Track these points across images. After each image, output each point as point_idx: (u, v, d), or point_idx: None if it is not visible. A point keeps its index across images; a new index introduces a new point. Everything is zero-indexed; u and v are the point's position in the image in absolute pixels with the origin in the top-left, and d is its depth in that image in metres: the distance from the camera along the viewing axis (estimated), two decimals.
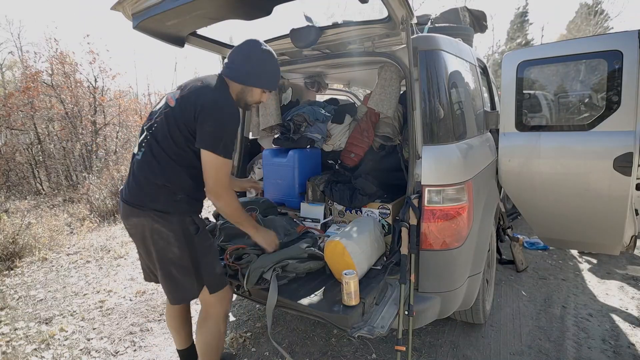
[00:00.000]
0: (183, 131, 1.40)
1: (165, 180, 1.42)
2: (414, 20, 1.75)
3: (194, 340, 1.71)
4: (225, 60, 1.57)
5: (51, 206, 5.84)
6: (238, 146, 2.66)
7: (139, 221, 1.44)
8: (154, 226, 1.42)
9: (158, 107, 1.52)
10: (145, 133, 1.48)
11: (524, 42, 22.36)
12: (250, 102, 1.60)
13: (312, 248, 1.79)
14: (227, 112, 1.41)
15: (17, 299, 2.90)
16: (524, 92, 2.34)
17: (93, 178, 6.10)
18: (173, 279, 1.48)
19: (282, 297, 1.61)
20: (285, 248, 1.76)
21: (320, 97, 3.41)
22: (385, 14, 1.58)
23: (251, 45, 1.52)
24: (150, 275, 1.70)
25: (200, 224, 1.52)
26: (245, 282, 1.59)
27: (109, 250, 3.92)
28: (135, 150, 1.50)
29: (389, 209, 2.00)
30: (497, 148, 2.43)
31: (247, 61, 1.51)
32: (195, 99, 1.40)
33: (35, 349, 2.23)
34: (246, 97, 1.57)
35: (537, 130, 2.32)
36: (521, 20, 23.14)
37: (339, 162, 2.57)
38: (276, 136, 2.63)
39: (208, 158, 1.38)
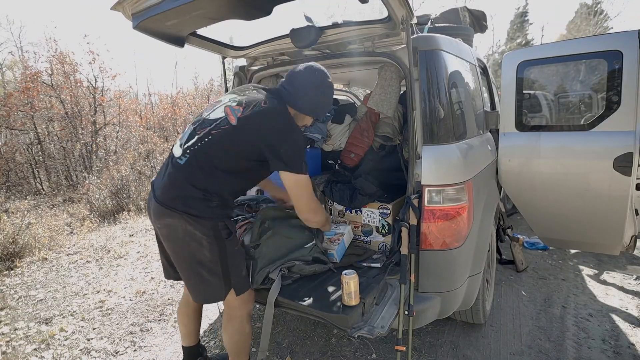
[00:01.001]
0: (242, 148, 1.42)
1: (204, 188, 1.41)
2: (414, 20, 1.75)
3: (223, 341, 1.70)
4: (286, 81, 1.56)
5: (51, 206, 5.85)
6: None
7: (173, 222, 1.42)
8: (187, 228, 1.41)
9: (214, 116, 1.46)
10: (194, 140, 1.44)
11: (524, 42, 22.37)
12: (299, 124, 1.62)
13: (317, 248, 1.80)
14: (299, 134, 1.49)
15: (17, 299, 2.90)
16: (524, 92, 2.34)
17: (93, 178, 6.10)
18: (202, 280, 1.48)
19: (282, 297, 1.62)
20: (292, 248, 1.76)
21: None
22: (385, 14, 1.58)
23: (319, 76, 1.55)
24: (170, 273, 1.69)
25: (232, 228, 1.52)
26: (251, 281, 1.60)
27: (109, 250, 3.92)
28: (178, 152, 1.46)
29: (389, 209, 2.00)
30: (497, 148, 2.43)
31: (313, 93, 1.55)
32: (261, 123, 1.43)
33: (35, 349, 2.23)
34: (297, 121, 1.58)
35: (537, 130, 2.32)
36: (521, 20, 23.15)
37: (339, 162, 2.57)
38: None
39: (294, 179, 1.44)
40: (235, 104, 1.46)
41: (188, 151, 1.44)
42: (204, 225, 1.42)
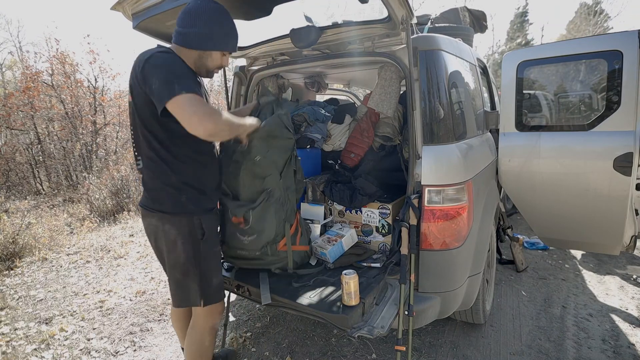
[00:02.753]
0: (152, 115, 1.30)
1: (166, 183, 1.39)
2: (414, 20, 1.75)
3: (184, 351, 1.69)
4: (177, 23, 1.39)
5: (51, 206, 5.85)
6: None
7: (151, 222, 1.45)
8: (164, 227, 1.41)
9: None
10: (132, 141, 1.45)
11: (524, 42, 22.37)
12: (212, 67, 1.43)
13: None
14: (163, 59, 1.27)
15: (17, 299, 2.90)
16: (524, 92, 2.34)
17: (93, 178, 6.11)
18: (177, 283, 1.48)
19: (282, 297, 1.62)
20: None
21: (320, 97, 3.41)
22: (385, 14, 1.58)
23: (201, 5, 1.33)
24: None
25: (208, 228, 1.47)
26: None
27: (109, 250, 3.92)
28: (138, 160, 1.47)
29: (389, 209, 2.00)
30: (497, 148, 2.43)
31: (197, 22, 1.33)
32: (136, 72, 1.28)
33: (35, 349, 2.23)
34: (207, 64, 1.41)
35: (537, 130, 2.32)
36: (521, 20, 23.14)
37: (339, 162, 2.57)
38: None
39: (176, 104, 1.19)
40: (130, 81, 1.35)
41: (136, 153, 1.44)
42: (179, 222, 1.40)
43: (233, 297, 2.62)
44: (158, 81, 1.22)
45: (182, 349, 1.87)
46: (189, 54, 1.38)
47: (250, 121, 1.49)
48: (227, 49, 1.42)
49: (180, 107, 1.19)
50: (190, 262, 1.43)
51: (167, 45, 1.44)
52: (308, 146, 2.54)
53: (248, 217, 1.66)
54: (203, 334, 1.54)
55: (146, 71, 1.24)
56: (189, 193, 1.41)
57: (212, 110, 1.24)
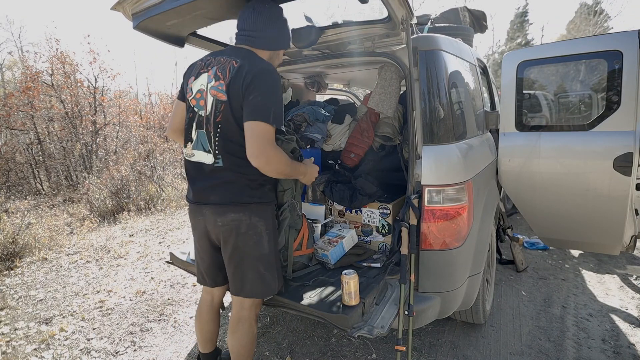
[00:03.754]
0: (240, 118, 1.36)
1: (252, 176, 1.41)
2: (414, 20, 1.75)
3: (228, 345, 1.62)
4: (243, 27, 1.46)
5: (51, 206, 5.85)
6: None
7: (238, 217, 1.42)
8: (251, 220, 1.43)
9: (208, 107, 1.41)
10: (213, 139, 1.40)
11: (524, 42, 22.38)
12: (277, 65, 1.59)
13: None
14: (271, 76, 1.35)
15: (17, 299, 2.90)
16: (524, 92, 2.34)
17: (93, 178, 6.11)
18: (260, 275, 1.49)
19: (283, 297, 1.62)
20: None
21: (320, 97, 3.41)
22: (385, 14, 1.58)
23: (272, 7, 1.46)
24: (205, 279, 1.65)
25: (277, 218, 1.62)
26: None
27: (109, 250, 3.92)
28: (208, 159, 1.43)
29: (389, 209, 2.00)
30: (497, 148, 2.43)
31: (272, 26, 1.46)
32: (238, 77, 1.33)
33: (35, 349, 2.23)
34: (274, 62, 1.57)
35: (537, 130, 2.32)
36: (521, 20, 23.14)
37: (339, 162, 2.57)
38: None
39: (258, 128, 1.29)
40: (214, 81, 1.39)
41: (217, 152, 1.41)
42: (266, 212, 1.48)
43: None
44: (262, 99, 1.31)
45: (203, 354, 1.79)
46: (263, 54, 1.49)
47: (304, 171, 1.58)
48: (289, 46, 1.59)
49: (260, 134, 1.30)
50: (272, 253, 1.51)
51: (166, 44, 1.47)
52: (308, 146, 2.54)
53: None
54: (252, 324, 1.57)
55: (258, 81, 1.32)
56: (270, 185, 1.52)
57: (280, 151, 1.38)
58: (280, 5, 1.57)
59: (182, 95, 1.55)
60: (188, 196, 1.57)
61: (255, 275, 1.48)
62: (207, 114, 1.41)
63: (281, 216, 1.70)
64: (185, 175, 1.58)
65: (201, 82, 1.44)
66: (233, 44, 2.20)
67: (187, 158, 1.51)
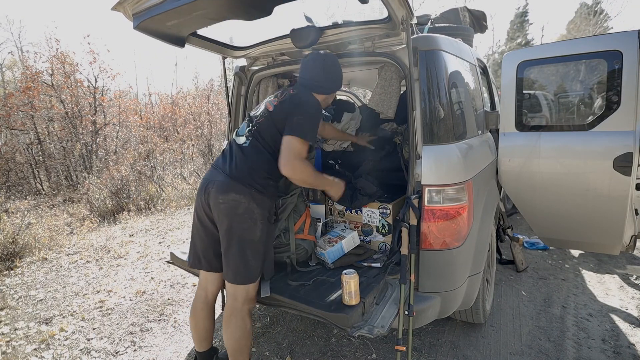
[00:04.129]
0: (278, 126, 1.61)
1: (264, 166, 1.60)
2: (414, 21, 1.75)
3: (223, 339, 1.67)
4: (301, 72, 1.76)
5: (51, 206, 5.85)
6: None
7: (238, 197, 1.55)
8: (250, 205, 1.55)
9: (259, 111, 1.72)
10: (251, 127, 1.69)
11: (524, 42, 22.38)
12: (330, 102, 1.89)
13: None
14: (312, 102, 1.65)
15: (17, 299, 2.90)
16: (524, 92, 2.34)
17: (93, 178, 6.11)
18: (245, 260, 1.57)
19: (283, 296, 1.62)
20: None
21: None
22: (385, 14, 1.58)
23: (326, 59, 1.74)
24: (200, 261, 1.73)
25: (277, 214, 1.73)
26: None
27: (109, 250, 3.92)
28: (241, 140, 1.68)
29: (389, 209, 2.00)
30: (497, 148, 2.43)
31: (328, 75, 1.75)
32: (288, 103, 1.64)
33: (35, 349, 2.23)
34: (328, 102, 1.84)
35: (537, 130, 2.32)
36: (521, 20, 23.15)
37: (339, 162, 2.57)
38: None
39: (292, 141, 1.53)
40: (272, 98, 1.76)
41: (249, 136, 1.67)
42: (264, 202, 1.60)
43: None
44: (302, 119, 1.57)
45: (199, 353, 1.82)
46: (320, 97, 1.74)
47: (334, 188, 1.85)
48: (335, 89, 1.84)
49: (292, 147, 1.53)
50: (263, 242, 1.61)
51: (166, 44, 1.55)
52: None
53: (280, 208, 1.85)
54: (244, 318, 1.61)
55: (301, 105, 1.62)
56: (274, 182, 1.66)
57: (307, 163, 1.59)
58: (281, 4, 1.60)
59: None
60: (205, 176, 1.72)
61: (241, 258, 1.56)
62: (256, 115, 1.72)
63: (289, 200, 1.87)
64: (215, 159, 1.80)
65: (267, 99, 1.79)
66: (233, 43, 2.21)
67: (233, 141, 1.74)
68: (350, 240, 1.98)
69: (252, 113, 1.76)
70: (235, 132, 1.80)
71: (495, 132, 2.54)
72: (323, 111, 2.58)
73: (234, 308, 1.60)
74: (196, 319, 1.77)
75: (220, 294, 1.88)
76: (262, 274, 1.66)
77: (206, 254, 1.69)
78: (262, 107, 1.75)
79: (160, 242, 4.18)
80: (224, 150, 1.76)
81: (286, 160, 1.53)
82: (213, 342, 1.89)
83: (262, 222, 1.58)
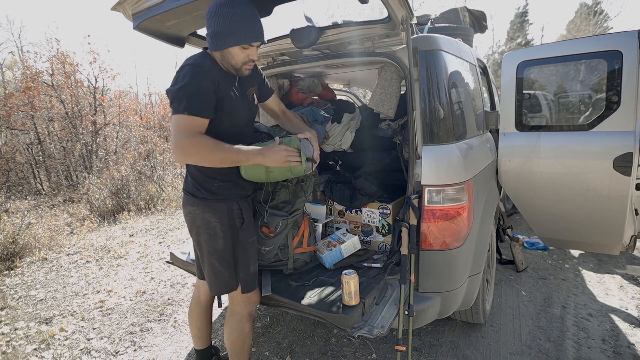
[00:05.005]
0: None
1: (201, 170, 1.45)
2: (414, 21, 1.75)
3: (223, 339, 1.69)
4: None
5: (51, 206, 5.85)
6: None
7: (192, 209, 1.48)
8: (204, 216, 1.45)
9: None
10: None
11: (524, 42, 22.37)
12: (237, 64, 1.39)
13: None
14: (182, 70, 1.31)
15: (17, 299, 2.90)
16: (524, 92, 2.34)
17: (93, 178, 6.11)
18: (215, 271, 1.49)
19: (283, 297, 1.62)
20: None
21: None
22: (385, 14, 1.58)
23: (211, 6, 1.33)
24: (197, 270, 1.70)
25: (247, 216, 1.53)
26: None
27: (109, 250, 3.92)
28: None
29: (389, 209, 2.00)
30: (497, 148, 2.43)
31: (209, 25, 1.34)
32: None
33: (35, 349, 2.23)
34: (230, 62, 1.39)
35: (537, 130, 2.32)
36: (521, 20, 23.14)
37: (340, 162, 2.57)
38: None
39: (174, 119, 1.28)
40: None
41: None
42: (219, 209, 1.45)
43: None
44: (172, 91, 1.29)
45: (196, 350, 1.87)
46: (216, 56, 1.40)
47: (267, 156, 1.40)
48: (241, 42, 1.34)
49: (175, 126, 1.28)
50: (229, 251, 1.48)
51: (166, 44, 1.46)
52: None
53: (280, 228, 1.75)
54: (242, 321, 1.58)
55: (174, 76, 1.34)
56: (222, 182, 1.47)
57: (198, 140, 1.27)
58: (281, 4, 1.57)
59: None
60: None
61: (211, 269, 1.49)
62: None
63: (289, 220, 1.76)
64: None
65: None
66: None
67: None
68: (349, 245, 1.96)
69: None
70: None
71: (495, 132, 2.54)
72: (322, 112, 2.57)
73: (232, 310, 1.59)
74: (191, 318, 1.83)
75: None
76: (242, 285, 1.53)
77: (197, 262, 1.68)
78: None
79: (160, 242, 4.18)
80: None
81: (174, 144, 1.27)
82: (213, 341, 1.90)
83: (222, 231, 1.45)
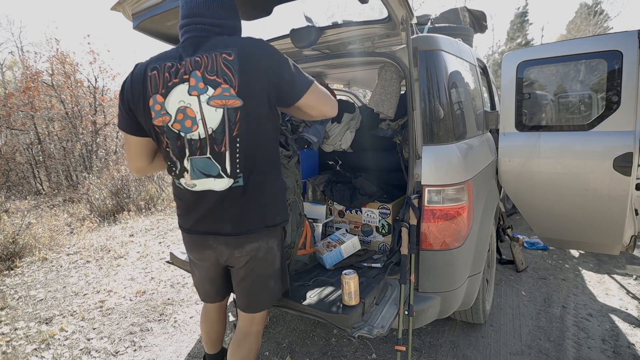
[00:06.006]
0: (262, 110, 1.20)
1: (274, 190, 1.30)
2: (414, 21, 1.75)
3: (233, 356, 1.49)
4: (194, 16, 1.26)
5: (51, 206, 5.85)
6: None
7: (256, 245, 1.27)
8: (268, 244, 1.29)
9: (206, 130, 1.20)
10: (230, 160, 1.21)
11: (524, 42, 22.37)
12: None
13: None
14: (276, 52, 1.17)
15: (17, 299, 2.90)
16: (524, 92, 2.34)
17: (93, 178, 6.11)
18: (269, 290, 1.38)
19: (283, 297, 1.61)
20: None
21: None
22: (385, 14, 1.58)
23: None
24: (212, 296, 1.53)
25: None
26: None
27: (109, 250, 3.92)
28: (222, 185, 1.24)
29: (389, 209, 2.01)
30: (497, 148, 2.43)
31: (234, 15, 1.24)
32: (256, 68, 1.16)
33: (35, 349, 2.23)
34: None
35: (537, 130, 2.32)
36: (521, 20, 23.14)
37: (340, 162, 2.57)
38: None
39: (314, 92, 1.20)
40: (211, 90, 1.11)
41: (237, 171, 1.17)
42: (277, 232, 1.33)
43: (232, 297, 2.62)
44: (292, 71, 1.13)
45: (209, 355, 1.72)
46: None
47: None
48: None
49: (318, 94, 1.18)
50: (281, 267, 1.39)
51: (166, 44, 1.44)
52: (306, 146, 2.54)
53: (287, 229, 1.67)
54: (258, 337, 1.47)
55: (273, 61, 1.12)
56: (290, 197, 1.42)
57: (331, 98, 1.26)
58: (281, 4, 1.56)
59: (139, 127, 1.22)
60: (184, 225, 1.32)
61: (266, 290, 1.38)
62: (211, 133, 1.14)
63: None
64: (176, 202, 1.35)
65: (180, 98, 1.13)
66: None
67: (188, 189, 1.23)
68: (349, 246, 1.96)
69: (190, 135, 1.18)
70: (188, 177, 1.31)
71: (495, 132, 2.54)
72: None
73: (250, 330, 1.43)
74: (209, 323, 1.64)
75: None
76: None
77: (220, 291, 1.51)
78: (207, 116, 1.14)
79: (160, 242, 4.18)
80: (187, 199, 1.29)
81: (332, 104, 1.24)
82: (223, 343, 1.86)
83: (279, 249, 1.35)
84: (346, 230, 2.12)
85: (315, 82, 1.19)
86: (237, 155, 1.16)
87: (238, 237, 1.24)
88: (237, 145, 1.15)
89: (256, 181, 1.21)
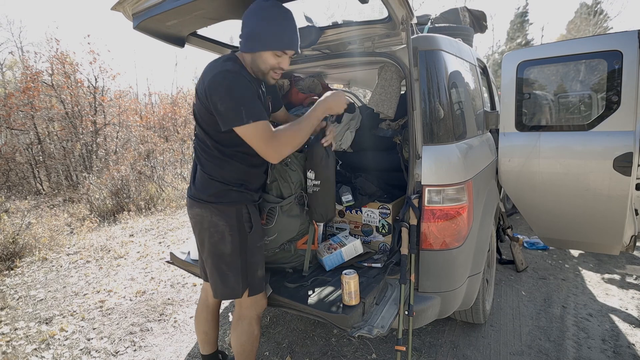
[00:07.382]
0: (209, 120, 1.34)
1: (216, 175, 1.42)
2: (414, 20, 1.75)
3: (230, 343, 1.65)
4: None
5: (51, 206, 5.85)
6: None
7: (200, 212, 1.45)
8: (212, 219, 1.43)
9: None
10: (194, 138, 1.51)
11: (524, 42, 22.38)
12: (266, 69, 1.39)
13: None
14: (228, 80, 1.26)
15: (17, 299, 2.90)
16: (524, 92, 2.34)
17: (93, 178, 6.11)
18: (222, 275, 1.47)
19: (283, 296, 1.62)
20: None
21: None
22: (385, 14, 1.58)
23: (252, 7, 1.34)
24: (202, 272, 1.68)
25: (255, 221, 1.51)
26: None
27: (109, 250, 3.92)
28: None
29: (389, 209, 2.00)
30: (497, 148, 2.43)
31: (246, 25, 1.34)
32: (202, 83, 1.32)
33: (35, 349, 2.23)
34: (259, 66, 1.38)
35: (537, 130, 2.32)
36: (521, 20, 23.14)
37: (340, 162, 2.57)
38: None
39: (243, 132, 1.27)
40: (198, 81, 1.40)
41: (193, 145, 1.48)
42: (227, 213, 1.43)
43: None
44: (224, 105, 1.25)
45: (203, 356, 1.82)
46: (246, 58, 1.39)
47: (322, 108, 1.49)
48: (277, 48, 1.34)
49: (250, 136, 1.28)
50: (237, 255, 1.45)
51: (166, 44, 1.46)
52: (305, 146, 2.54)
53: (273, 215, 1.71)
54: (251, 323, 1.55)
55: (212, 88, 1.27)
56: (234, 186, 1.45)
57: (278, 134, 1.31)
58: (274, 2, 1.56)
59: None
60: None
61: (218, 273, 1.47)
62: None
63: (285, 207, 1.72)
64: None
65: None
66: (233, 43, 2.21)
67: None
68: (351, 248, 1.93)
69: None
70: None
71: (495, 132, 2.54)
72: None
73: (240, 314, 1.56)
74: (198, 322, 1.79)
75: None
76: (249, 288, 1.50)
77: (202, 265, 1.64)
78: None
79: (160, 242, 4.18)
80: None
81: (265, 151, 1.30)
82: (219, 346, 1.88)
83: (231, 234, 1.43)
84: (349, 232, 2.11)
85: (251, 124, 1.25)
86: (195, 135, 1.48)
87: (191, 199, 1.48)
88: (195, 127, 1.47)
89: (201, 161, 1.45)
